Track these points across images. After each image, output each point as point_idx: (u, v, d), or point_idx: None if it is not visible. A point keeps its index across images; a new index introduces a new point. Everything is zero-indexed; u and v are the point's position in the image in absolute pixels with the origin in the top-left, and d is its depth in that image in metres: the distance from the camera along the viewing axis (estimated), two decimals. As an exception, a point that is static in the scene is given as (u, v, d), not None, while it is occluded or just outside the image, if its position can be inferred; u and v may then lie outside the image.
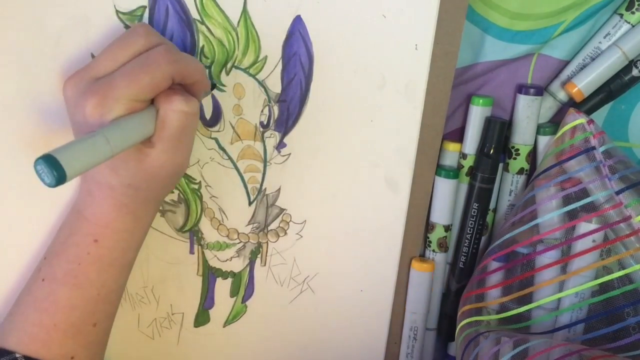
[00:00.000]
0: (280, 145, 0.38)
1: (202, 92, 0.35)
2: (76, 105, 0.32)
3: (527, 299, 0.38)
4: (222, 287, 0.42)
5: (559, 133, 0.39)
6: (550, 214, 0.38)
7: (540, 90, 0.40)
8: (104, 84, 0.31)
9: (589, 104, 0.40)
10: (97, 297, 0.35)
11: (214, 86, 0.37)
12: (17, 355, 0.33)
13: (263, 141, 0.38)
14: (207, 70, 0.36)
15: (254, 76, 0.37)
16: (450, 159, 0.41)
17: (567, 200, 0.38)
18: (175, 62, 0.31)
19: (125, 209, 0.34)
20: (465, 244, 0.42)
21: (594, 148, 0.37)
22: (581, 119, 0.38)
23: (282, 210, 0.40)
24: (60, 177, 0.25)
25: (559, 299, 0.38)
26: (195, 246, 0.41)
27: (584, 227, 0.37)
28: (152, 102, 0.32)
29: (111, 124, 0.30)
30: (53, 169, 0.25)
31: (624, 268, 0.37)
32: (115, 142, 0.29)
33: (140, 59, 0.31)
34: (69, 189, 0.38)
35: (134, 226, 0.35)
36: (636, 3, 0.38)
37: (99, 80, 0.31)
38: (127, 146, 0.30)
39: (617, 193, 0.36)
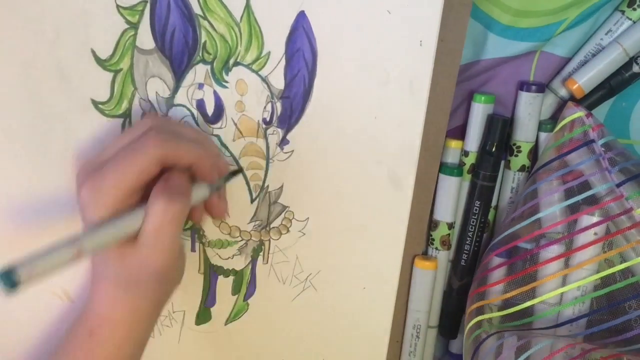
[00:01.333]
0: (283, 142, 0.38)
1: (214, 174, 0.33)
2: (79, 188, 0.31)
3: (530, 294, 0.39)
4: (224, 285, 0.42)
5: (558, 126, 0.39)
6: (552, 207, 0.38)
7: (541, 87, 0.40)
8: (99, 172, 0.30)
9: (589, 101, 0.40)
10: None
11: (235, 172, 0.35)
12: None
13: (266, 138, 0.38)
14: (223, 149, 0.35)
15: (256, 72, 0.36)
16: (452, 156, 0.41)
17: (568, 194, 0.38)
18: (162, 146, 0.30)
19: (120, 303, 0.32)
20: (467, 242, 0.42)
21: (593, 141, 0.38)
22: (580, 112, 0.38)
23: (284, 207, 0.39)
24: (12, 287, 0.25)
25: (562, 294, 0.39)
26: (197, 244, 0.41)
27: (585, 220, 0.37)
28: None
29: (89, 230, 0.29)
30: (7, 281, 0.25)
31: (625, 261, 0.37)
32: (91, 245, 0.28)
33: (130, 146, 0.30)
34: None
35: (131, 319, 0.33)
36: (637, 0, 0.38)
37: (97, 168, 0.31)
38: (105, 247, 0.30)
39: (618, 185, 0.37)
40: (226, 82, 0.37)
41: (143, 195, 0.32)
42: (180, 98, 0.37)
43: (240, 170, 0.35)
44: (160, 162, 0.30)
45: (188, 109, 0.37)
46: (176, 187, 0.31)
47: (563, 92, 0.40)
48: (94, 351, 0.33)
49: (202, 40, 0.36)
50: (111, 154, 0.31)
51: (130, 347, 0.34)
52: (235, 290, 0.42)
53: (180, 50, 0.36)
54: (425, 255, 0.43)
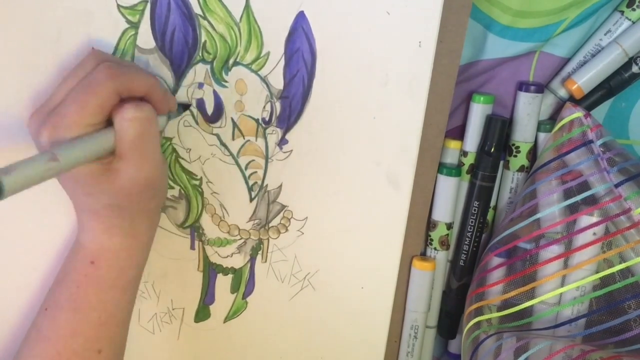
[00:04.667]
0: (282, 142, 0.38)
1: (165, 108, 0.34)
2: (35, 137, 0.32)
3: (530, 294, 0.39)
4: (223, 283, 0.42)
5: (557, 127, 0.39)
6: (551, 207, 0.38)
7: (540, 88, 0.40)
8: (54, 114, 0.31)
9: (588, 101, 0.40)
10: (99, 321, 0.34)
11: (186, 107, 0.36)
12: None
13: (265, 138, 0.38)
14: (165, 85, 0.35)
15: (256, 72, 0.36)
16: (451, 156, 0.41)
17: (567, 194, 0.38)
18: (117, 77, 0.31)
19: (115, 229, 0.34)
20: (466, 242, 0.42)
21: (591, 141, 0.38)
22: (578, 113, 0.38)
23: (283, 207, 0.40)
24: None
25: (561, 294, 0.39)
26: (196, 242, 0.41)
27: (585, 220, 0.37)
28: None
29: (64, 142, 0.30)
30: None
31: (624, 261, 0.37)
32: (66, 158, 0.28)
33: (84, 81, 0.31)
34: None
35: (129, 244, 0.34)
36: (637, 0, 0.38)
37: (51, 112, 0.31)
38: (81, 161, 0.30)
39: (617, 186, 0.37)
40: (226, 81, 0.37)
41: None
42: (180, 97, 0.37)
43: (189, 104, 0.36)
44: (117, 93, 0.31)
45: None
46: (137, 100, 0.32)
47: (562, 93, 0.40)
48: (98, 277, 0.34)
49: (202, 40, 0.36)
50: (62, 95, 0.32)
51: (132, 269, 0.35)
52: (234, 288, 0.42)
53: (180, 49, 0.36)
54: (423, 255, 0.43)
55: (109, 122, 0.32)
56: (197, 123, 0.38)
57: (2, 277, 0.40)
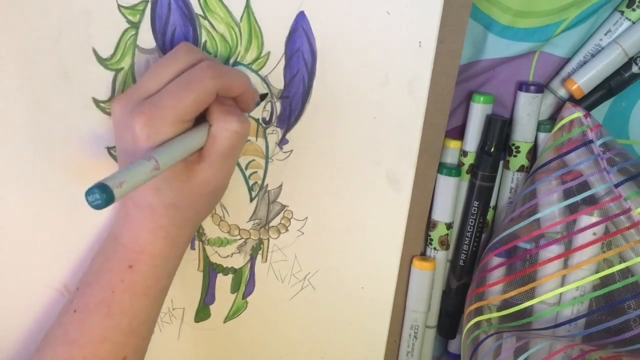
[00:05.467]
0: (282, 142, 0.38)
1: (252, 103, 0.35)
2: (125, 126, 0.32)
3: (530, 294, 0.39)
4: (223, 283, 0.42)
5: (557, 127, 0.39)
6: (551, 207, 0.38)
7: (540, 88, 0.40)
8: (151, 104, 0.31)
9: (588, 101, 0.40)
10: (129, 329, 0.34)
11: (264, 96, 0.37)
12: None
13: (265, 137, 0.38)
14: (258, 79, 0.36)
15: (256, 72, 0.36)
16: (450, 156, 0.41)
17: (567, 194, 0.38)
18: (219, 77, 0.31)
19: (162, 232, 0.33)
20: (466, 242, 0.42)
21: (591, 141, 0.38)
22: (578, 113, 0.38)
23: (283, 206, 0.40)
24: (108, 200, 0.26)
25: (561, 294, 0.39)
26: (196, 242, 0.41)
27: (585, 220, 0.37)
28: (201, 116, 0.32)
29: (162, 145, 0.30)
30: (103, 193, 0.26)
31: (624, 261, 0.37)
32: (164, 164, 0.29)
33: (184, 77, 0.31)
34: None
35: (169, 252, 0.34)
36: (637, 0, 0.38)
37: (145, 101, 0.31)
38: (174, 163, 0.30)
39: (616, 186, 0.37)
40: (272, 94, 0.37)
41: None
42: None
43: (266, 93, 0.37)
44: (215, 93, 0.32)
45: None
46: (239, 111, 0.33)
47: (562, 93, 0.40)
48: (135, 283, 0.34)
49: (203, 40, 0.36)
50: (157, 86, 0.32)
51: (165, 278, 0.35)
52: (234, 288, 0.42)
53: (180, 49, 0.36)
54: (423, 255, 0.43)
55: (197, 119, 0.32)
56: (197, 123, 0.38)
57: (16, 276, 0.40)
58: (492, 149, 0.40)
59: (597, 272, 0.38)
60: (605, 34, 0.39)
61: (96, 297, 0.34)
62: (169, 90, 0.31)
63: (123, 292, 0.33)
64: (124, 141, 0.32)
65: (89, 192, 0.26)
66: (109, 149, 0.38)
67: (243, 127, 0.32)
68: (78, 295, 0.35)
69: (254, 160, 0.39)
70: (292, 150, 0.38)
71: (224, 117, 0.32)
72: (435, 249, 0.42)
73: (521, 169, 0.41)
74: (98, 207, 0.26)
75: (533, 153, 0.41)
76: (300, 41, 0.36)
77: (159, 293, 0.35)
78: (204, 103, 0.31)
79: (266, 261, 0.41)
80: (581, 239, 0.38)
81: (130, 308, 0.34)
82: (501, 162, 0.41)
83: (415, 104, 0.36)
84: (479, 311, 0.40)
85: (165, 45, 0.36)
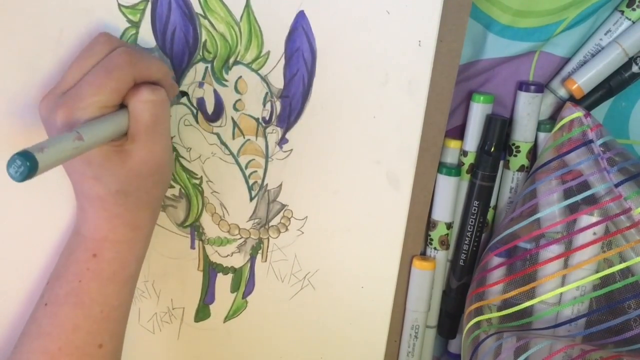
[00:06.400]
0: (282, 141, 0.38)
1: (172, 94, 0.35)
2: (48, 121, 0.32)
3: (530, 294, 0.39)
4: (223, 282, 0.42)
5: (557, 127, 0.39)
6: (551, 207, 0.38)
7: (540, 88, 0.40)
8: (71, 95, 0.31)
9: (588, 101, 0.40)
10: (101, 316, 0.34)
11: (184, 94, 0.37)
12: None
13: (265, 137, 0.38)
14: (174, 72, 0.36)
15: (256, 71, 0.36)
16: (451, 156, 0.41)
17: (568, 193, 0.38)
18: (135, 63, 0.31)
19: (118, 219, 0.33)
20: (466, 242, 0.42)
21: (591, 141, 0.38)
22: (578, 113, 0.38)
23: (283, 206, 0.40)
24: (31, 168, 0.25)
25: (561, 294, 0.39)
26: (196, 241, 0.41)
27: (585, 220, 0.37)
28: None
29: (83, 123, 0.30)
30: (26, 160, 0.25)
31: (625, 261, 0.37)
32: (88, 137, 0.29)
33: (102, 65, 0.31)
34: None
35: (132, 236, 0.34)
36: (637, 0, 0.38)
37: (65, 94, 0.32)
38: (100, 141, 0.30)
39: (617, 185, 0.37)
40: (226, 80, 0.37)
41: None
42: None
43: (186, 92, 0.37)
44: (133, 78, 0.32)
45: (188, 107, 0.38)
46: (150, 84, 0.32)
47: (562, 92, 0.40)
48: (100, 270, 0.34)
49: (203, 39, 0.36)
50: (76, 77, 0.32)
51: (133, 263, 0.35)
52: (234, 287, 0.42)
53: (180, 49, 0.36)
54: (423, 255, 0.43)
55: (120, 106, 0.32)
56: (197, 122, 0.38)
57: (21, 278, 0.40)
58: (492, 149, 0.40)
59: (597, 271, 0.38)
60: (605, 34, 0.39)
61: (65, 288, 0.34)
62: (87, 80, 0.31)
63: (90, 280, 0.34)
64: (53, 128, 0.32)
65: (10, 163, 0.25)
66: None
67: (156, 95, 0.32)
68: (48, 289, 0.35)
69: (253, 159, 0.39)
70: (292, 150, 0.38)
71: (136, 91, 0.32)
72: (435, 248, 0.42)
73: (521, 168, 0.41)
74: (22, 176, 0.25)
75: (533, 153, 0.41)
76: (300, 40, 0.36)
77: (128, 278, 0.35)
78: (122, 89, 0.31)
79: (266, 261, 0.41)
80: (581, 238, 0.38)
81: (99, 295, 0.34)
82: (501, 162, 0.41)
83: (415, 103, 0.36)
84: (479, 311, 0.40)
85: (165, 45, 0.36)
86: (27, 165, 0.25)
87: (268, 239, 0.41)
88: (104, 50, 0.32)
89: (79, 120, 0.30)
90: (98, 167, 0.32)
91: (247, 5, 0.35)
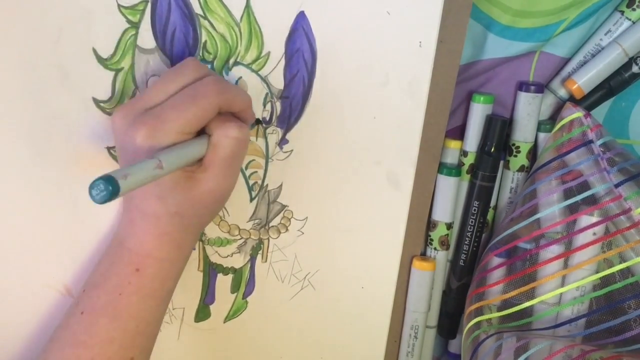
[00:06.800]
0: (282, 142, 0.38)
1: (249, 123, 0.35)
2: (125, 135, 0.32)
3: (530, 294, 0.39)
4: (223, 283, 0.42)
5: (557, 127, 0.39)
6: (551, 207, 0.38)
7: (540, 88, 0.40)
8: (154, 115, 0.31)
9: (589, 101, 0.40)
10: (136, 330, 0.34)
11: (258, 122, 0.37)
12: None
13: (265, 137, 0.38)
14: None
15: (256, 72, 0.36)
16: (451, 156, 0.41)
17: (567, 194, 0.38)
18: (222, 93, 0.32)
19: (167, 238, 0.34)
20: (466, 242, 0.42)
21: (591, 141, 0.38)
22: (578, 113, 0.38)
23: (283, 206, 0.40)
24: (113, 193, 0.26)
25: (561, 294, 0.39)
26: (197, 242, 0.41)
27: (585, 220, 0.37)
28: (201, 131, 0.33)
29: (164, 149, 0.31)
30: (109, 185, 0.26)
31: (624, 261, 0.37)
32: (167, 165, 0.29)
33: (189, 91, 0.32)
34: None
35: (175, 255, 0.35)
36: (637, 0, 0.38)
37: (148, 112, 0.32)
38: (176, 167, 0.31)
39: (617, 186, 0.37)
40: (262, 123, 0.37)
41: None
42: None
43: (260, 121, 0.38)
44: (218, 108, 0.32)
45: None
46: (238, 120, 0.33)
47: (562, 93, 0.40)
48: (141, 285, 0.34)
49: (203, 40, 0.36)
50: (160, 98, 0.32)
51: (171, 280, 0.35)
52: (234, 288, 0.42)
53: (180, 49, 0.36)
54: (423, 255, 0.43)
55: (199, 132, 0.33)
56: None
57: (15, 275, 0.40)
58: (492, 149, 0.40)
59: (597, 272, 0.38)
60: (606, 34, 0.39)
61: (103, 299, 0.34)
62: (173, 102, 0.32)
63: (130, 294, 0.34)
64: (125, 152, 0.33)
65: (93, 185, 0.25)
66: (109, 149, 0.38)
67: (242, 133, 0.33)
68: (84, 297, 0.35)
69: (254, 160, 0.39)
70: (292, 150, 0.38)
71: (223, 124, 0.32)
72: (435, 249, 0.42)
73: (521, 168, 0.41)
74: (103, 199, 0.25)
75: (533, 153, 0.41)
76: (300, 41, 0.36)
77: (165, 295, 0.35)
78: (206, 117, 0.32)
79: (266, 261, 0.41)
80: (581, 239, 0.38)
81: (137, 310, 0.34)
82: (501, 162, 0.41)
83: (415, 104, 0.36)
84: (479, 311, 0.40)
85: (165, 45, 0.36)
86: (109, 189, 0.25)
87: (268, 239, 0.41)
88: (192, 76, 0.32)
89: (159, 142, 0.31)
90: (164, 189, 0.32)
91: (247, 6, 0.35)
